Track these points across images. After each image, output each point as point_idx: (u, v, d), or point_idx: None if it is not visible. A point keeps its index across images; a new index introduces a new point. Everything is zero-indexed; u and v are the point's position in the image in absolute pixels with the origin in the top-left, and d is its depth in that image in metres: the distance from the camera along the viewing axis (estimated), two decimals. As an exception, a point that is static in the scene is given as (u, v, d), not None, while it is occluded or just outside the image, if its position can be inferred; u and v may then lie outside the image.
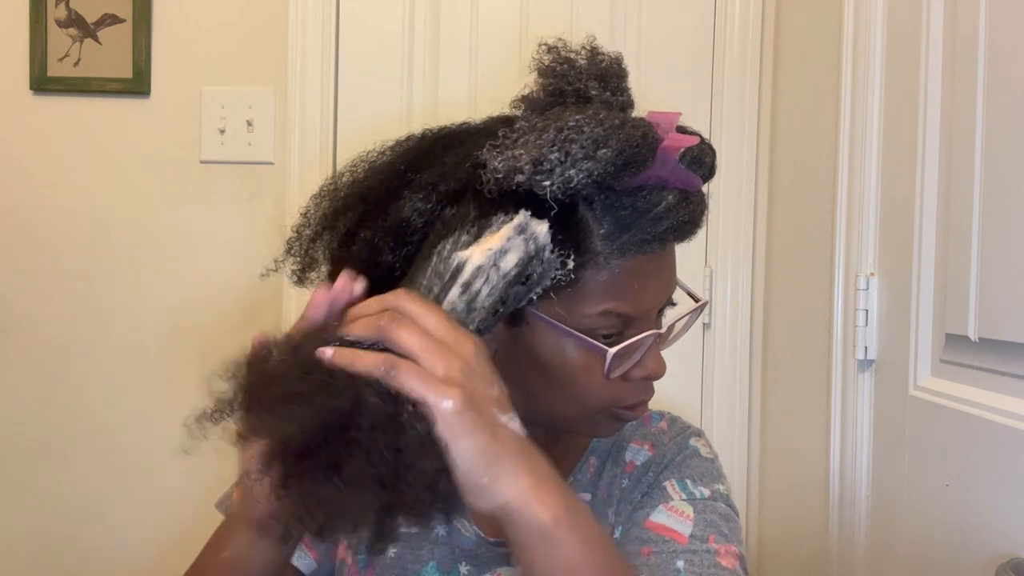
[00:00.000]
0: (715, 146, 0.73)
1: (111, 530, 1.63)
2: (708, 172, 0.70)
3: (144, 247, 1.63)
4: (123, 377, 1.63)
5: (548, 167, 0.58)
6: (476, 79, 1.57)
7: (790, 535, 1.39)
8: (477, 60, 1.57)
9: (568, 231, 0.61)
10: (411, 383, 0.52)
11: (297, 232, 0.72)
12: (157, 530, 1.62)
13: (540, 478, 0.55)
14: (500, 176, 0.58)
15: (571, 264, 0.61)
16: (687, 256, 1.57)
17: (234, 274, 1.60)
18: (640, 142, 0.60)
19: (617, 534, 0.76)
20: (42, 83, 1.61)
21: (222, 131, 1.61)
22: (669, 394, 1.57)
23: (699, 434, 0.82)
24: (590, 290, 0.64)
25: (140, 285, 1.63)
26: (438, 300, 0.59)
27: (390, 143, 0.71)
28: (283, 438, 0.53)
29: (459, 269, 0.59)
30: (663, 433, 0.82)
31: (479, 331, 0.60)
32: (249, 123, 1.60)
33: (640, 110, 0.71)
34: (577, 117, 0.60)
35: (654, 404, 0.87)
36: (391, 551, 0.79)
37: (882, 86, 1.10)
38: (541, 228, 0.59)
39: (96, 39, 1.61)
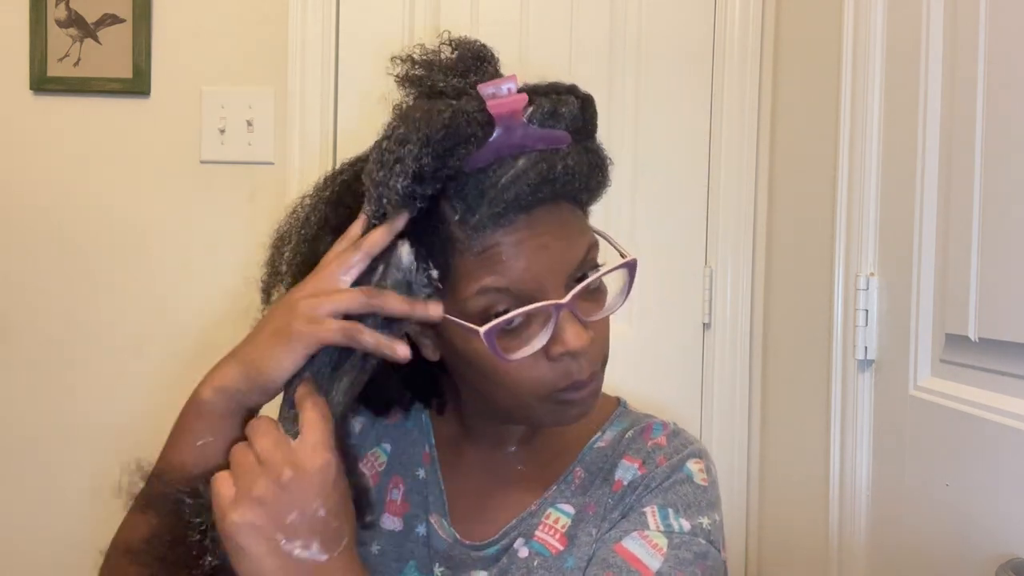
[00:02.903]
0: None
1: (111, 530, 1.63)
2: (576, 122, 0.67)
3: (144, 247, 1.63)
4: (123, 377, 1.63)
5: (376, 183, 0.63)
6: (476, 79, 1.57)
7: (790, 535, 1.39)
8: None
9: (430, 230, 0.64)
10: (214, 500, 0.60)
11: (264, 282, 0.75)
12: (157, 530, 1.62)
13: None
14: (366, 212, 0.65)
15: (435, 274, 0.63)
16: (687, 256, 1.58)
17: (234, 274, 1.59)
18: (448, 122, 0.61)
19: (594, 549, 0.72)
20: (42, 83, 1.61)
21: (222, 131, 1.61)
22: (670, 394, 1.57)
23: (699, 455, 0.76)
24: (463, 274, 0.65)
25: (140, 285, 1.63)
26: None
27: (321, 180, 0.74)
28: None
29: None
30: (658, 450, 0.75)
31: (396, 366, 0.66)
32: (249, 123, 1.60)
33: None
34: (392, 124, 0.63)
35: (657, 411, 0.84)
36: (374, 547, 0.79)
37: (882, 86, 1.09)
38: (404, 249, 0.64)
39: (96, 39, 1.61)
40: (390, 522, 0.79)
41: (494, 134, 0.63)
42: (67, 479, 1.63)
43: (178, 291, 1.62)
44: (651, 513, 0.71)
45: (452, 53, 0.69)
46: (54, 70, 1.61)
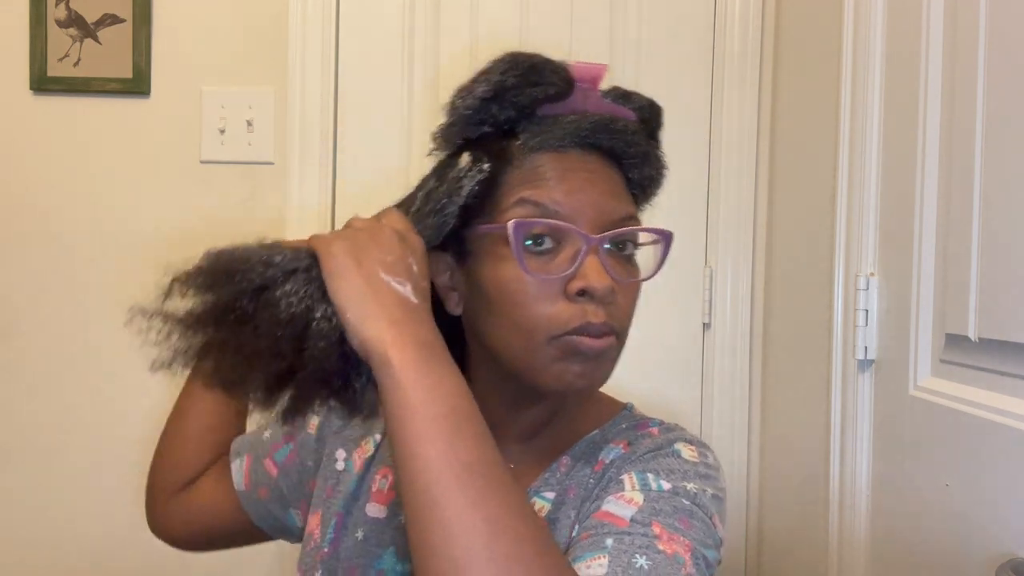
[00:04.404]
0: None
1: (115, 530, 1.63)
2: (643, 111, 0.75)
3: (144, 247, 1.63)
4: (123, 377, 1.63)
5: (458, 91, 0.72)
6: (476, 79, 1.57)
7: (790, 535, 1.39)
8: (477, 60, 1.57)
9: (494, 149, 0.70)
10: (314, 242, 0.65)
11: None
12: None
13: (403, 331, 0.60)
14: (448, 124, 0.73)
15: (485, 166, 0.69)
16: (687, 256, 1.58)
17: (234, 274, 1.59)
18: (530, 63, 0.69)
19: (575, 532, 0.71)
20: (42, 83, 1.61)
21: (222, 131, 1.61)
22: (670, 394, 1.57)
23: (690, 441, 0.74)
24: (508, 188, 0.69)
25: (140, 285, 1.63)
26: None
27: None
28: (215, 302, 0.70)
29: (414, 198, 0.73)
30: (648, 436, 0.75)
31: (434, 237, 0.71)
32: (249, 123, 1.60)
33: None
34: None
35: (657, 411, 0.82)
36: (358, 533, 0.79)
37: (882, 86, 1.10)
38: (464, 156, 0.70)
39: (96, 39, 1.61)
40: (375, 510, 0.80)
41: (571, 94, 0.70)
42: (68, 480, 1.63)
43: (178, 291, 1.62)
44: (628, 478, 0.69)
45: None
46: (54, 70, 1.61)
